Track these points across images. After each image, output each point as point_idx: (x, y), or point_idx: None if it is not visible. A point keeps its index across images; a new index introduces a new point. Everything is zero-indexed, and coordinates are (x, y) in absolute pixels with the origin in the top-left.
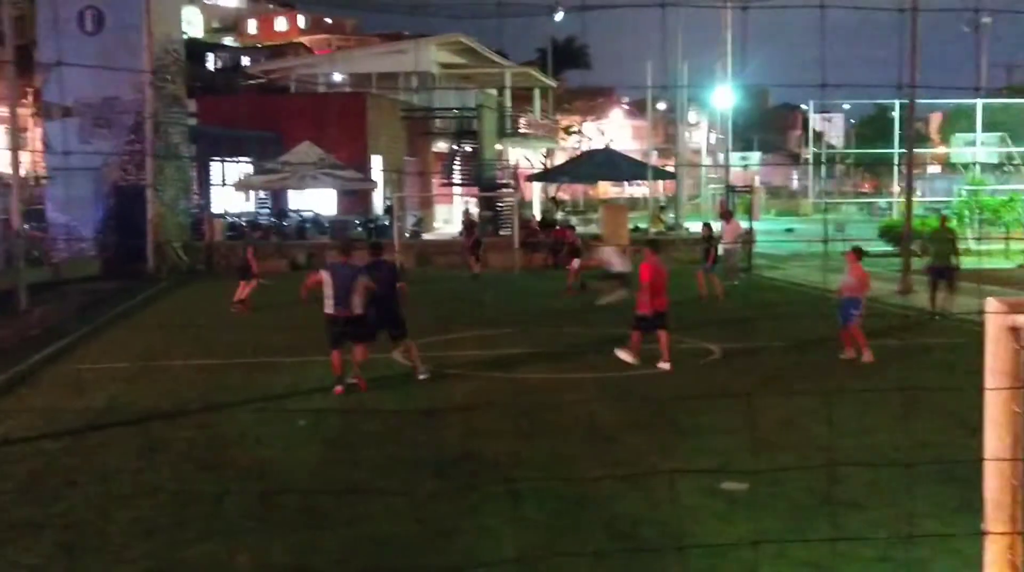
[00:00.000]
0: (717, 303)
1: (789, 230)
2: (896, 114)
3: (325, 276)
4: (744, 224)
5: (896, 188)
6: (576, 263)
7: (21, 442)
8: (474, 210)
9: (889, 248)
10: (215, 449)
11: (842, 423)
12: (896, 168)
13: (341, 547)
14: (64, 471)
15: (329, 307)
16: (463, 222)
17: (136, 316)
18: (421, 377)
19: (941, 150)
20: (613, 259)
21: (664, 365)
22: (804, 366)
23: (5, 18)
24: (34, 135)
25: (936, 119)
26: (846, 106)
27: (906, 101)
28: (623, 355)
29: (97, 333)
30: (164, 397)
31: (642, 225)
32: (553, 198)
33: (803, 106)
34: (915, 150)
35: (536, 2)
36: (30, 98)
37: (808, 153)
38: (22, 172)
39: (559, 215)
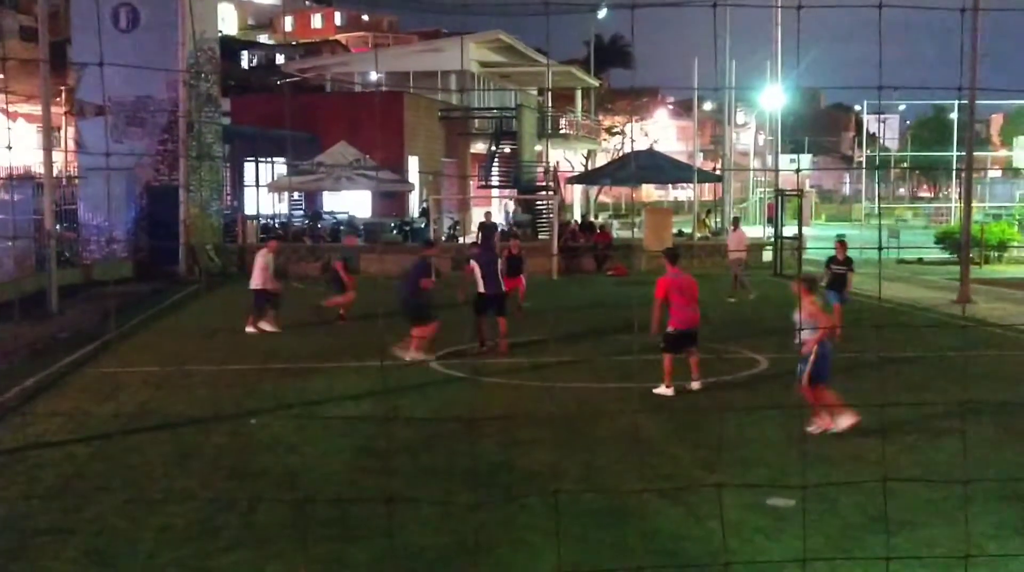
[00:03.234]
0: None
1: (840, 236)
2: (955, 116)
3: (474, 265)
4: (793, 230)
5: (954, 192)
6: (520, 283)
7: (50, 447)
8: (508, 213)
9: (947, 255)
10: (247, 456)
11: (896, 438)
12: (954, 172)
13: (373, 559)
14: (94, 476)
15: (481, 287)
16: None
17: (167, 319)
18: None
19: (1002, 153)
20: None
21: (695, 385)
22: (855, 379)
23: (40, 15)
24: (66, 134)
25: (997, 121)
26: (901, 107)
27: (965, 102)
28: (660, 391)
29: (128, 336)
30: (195, 402)
31: (686, 230)
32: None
33: (857, 107)
34: (975, 153)
35: (581, 1)
36: (63, 96)
37: (862, 156)
38: (54, 172)
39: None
